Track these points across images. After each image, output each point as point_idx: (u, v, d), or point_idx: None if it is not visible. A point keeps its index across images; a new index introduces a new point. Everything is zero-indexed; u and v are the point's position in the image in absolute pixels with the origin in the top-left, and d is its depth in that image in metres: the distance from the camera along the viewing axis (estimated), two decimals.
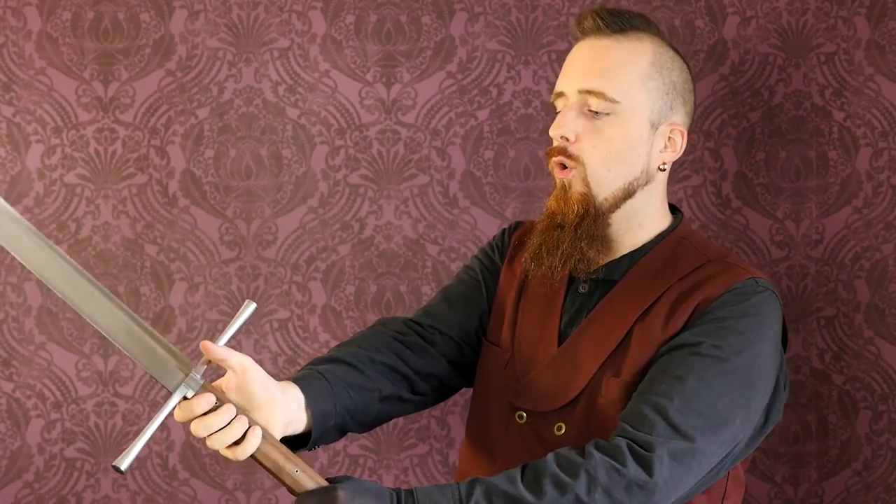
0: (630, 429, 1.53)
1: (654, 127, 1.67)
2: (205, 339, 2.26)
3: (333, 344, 2.28)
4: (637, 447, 1.51)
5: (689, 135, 1.71)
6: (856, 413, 2.29)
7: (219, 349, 1.46)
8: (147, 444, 2.28)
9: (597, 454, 1.51)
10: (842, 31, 2.27)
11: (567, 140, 1.65)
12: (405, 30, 2.28)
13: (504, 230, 1.85)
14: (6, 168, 2.24)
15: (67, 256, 1.46)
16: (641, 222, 1.70)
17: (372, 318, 2.28)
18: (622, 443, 1.52)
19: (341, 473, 2.30)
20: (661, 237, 1.71)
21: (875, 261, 2.28)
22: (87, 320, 1.46)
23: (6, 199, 2.24)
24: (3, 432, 2.26)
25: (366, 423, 1.69)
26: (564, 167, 1.66)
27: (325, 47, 2.27)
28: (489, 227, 2.28)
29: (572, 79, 1.67)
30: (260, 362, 2.28)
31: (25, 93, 2.24)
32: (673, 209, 1.77)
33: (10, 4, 2.23)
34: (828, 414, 2.30)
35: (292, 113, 2.27)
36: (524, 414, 1.68)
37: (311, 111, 2.28)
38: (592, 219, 1.66)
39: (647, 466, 1.50)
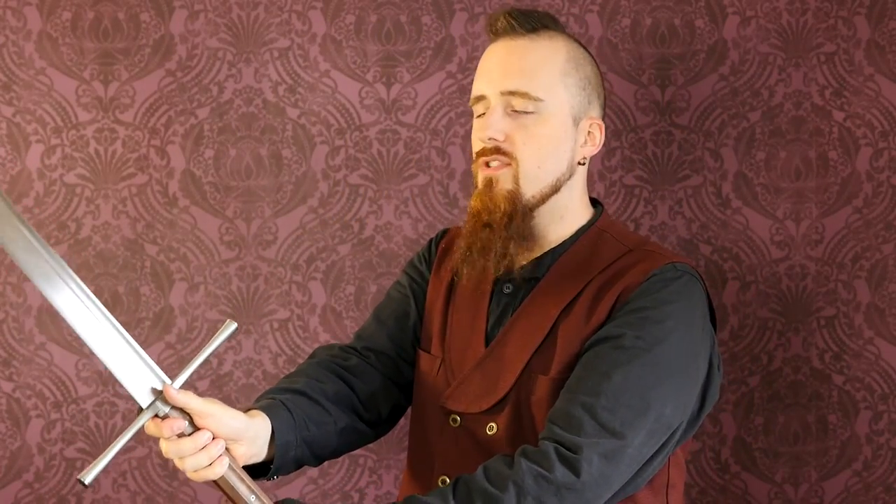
0: (559, 430, 1.53)
1: (576, 122, 1.69)
2: (205, 339, 2.26)
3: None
4: (564, 450, 1.52)
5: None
6: (856, 413, 2.29)
7: (179, 396, 1.44)
8: (147, 444, 2.29)
9: (524, 463, 1.51)
10: (842, 31, 2.27)
11: (497, 140, 1.65)
12: (405, 30, 2.28)
13: (430, 241, 1.86)
14: (6, 168, 2.24)
15: (55, 254, 1.44)
16: (563, 216, 1.71)
17: None
18: (549, 447, 1.52)
19: (341, 473, 2.30)
20: (581, 231, 1.72)
21: (875, 261, 2.28)
22: (68, 324, 1.44)
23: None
24: (3, 432, 2.26)
25: (322, 457, 1.69)
26: (493, 165, 1.66)
27: (325, 47, 2.28)
28: None
29: (492, 81, 1.67)
30: (260, 362, 2.29)
31: (25, 93, 2.24)
32: (594, 202, 1.78)
33: (10, 4, 2.23)
34: (828, 414, 2.30)
35: (292, 113, 2.27)
36: (457, 417, 1.68)
37: (311, 111, 2.28)
38: (521, 217, 1.66)
39: (574, 469, 1.51)
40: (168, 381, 1.44)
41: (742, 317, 2.28)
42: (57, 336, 2.25)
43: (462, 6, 2.28)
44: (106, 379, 2.26)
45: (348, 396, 1.73)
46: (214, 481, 1.49)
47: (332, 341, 2.28)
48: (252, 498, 1.49)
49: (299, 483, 2.30)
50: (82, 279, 2.25)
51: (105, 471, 2.27)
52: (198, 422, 1.45)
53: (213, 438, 1.46)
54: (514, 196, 1.66)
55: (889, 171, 2.27)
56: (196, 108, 2.27)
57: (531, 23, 1.68)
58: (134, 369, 1.45)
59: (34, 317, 2.25)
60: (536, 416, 1.62)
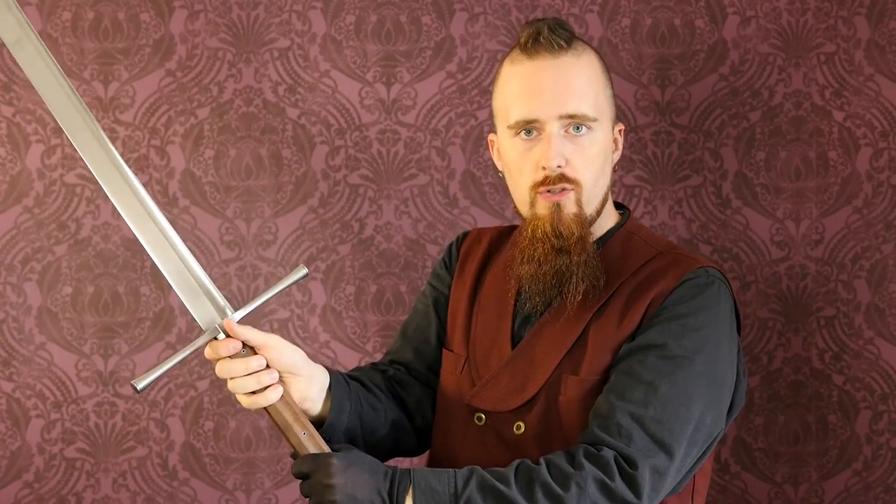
0: (608, 439, 1.54)
1: (612, 132, 1.70)
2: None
3: (333, 344, 2.28)
4: (623, 463, 1.53)
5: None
6: (856, 413, 2.29)
7: (239, 329, 1.51)
8: (147, 444, 2.29)
9: (588, 466, 1.52)
10: (842, 31, 2.27)
11: (561, 167, 1.63)
12: (405, 30, 2.28)
13: (451, 244, 1.88)
14: (6, 168, 2.24)
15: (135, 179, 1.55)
16: (598, 222, 1.72)
17: (372, 318, 2.28)
18: (610, 456, 1.53)
19: None
20: (610, 233, 1.72)
21: (875, 261, 2.28)
22: (144, 247, 1.53)
23: (6, 199, 2.24)
24: (3, 432, 2.26)
25: (370, 443, 1.70)
26: (559, 192, 1.64)
27: (325, 47, 2.27)
28: None
29: (546, 104, 1.63)
30: None
31: (25, 93, 2.24)
32: (618, 205, 1.79)
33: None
34: (828, 414, 2.30)
35: (292, 113, 2.27)
36: (482, 415, 1.69)
37: (311, 111, 2.28)
38: (588, 237, 1.66)
39: (633, 484, 1.53)
40: (231, 311, 1.53)
41: (742, 317, 2.28)
42: (57, 336, 2.25)
43: (462, 6, 2.28)
44: (106, 379, 2.27)
45: (398, 396, 1.77)
46: (267, 412, 1.53)
47: (333, 341, 2.28)
48: (303, 434, 1.52)
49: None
50: (82, 279, 2.26)
51: (105, 471, 2.27)
52: (258, 352, 1.52)
53: (268, 368, 1.52)
54: (581, 218, 1.65)
55: (889, 171, 2.27)
56: (196, 108, 2.27)
57: (567, 37, 1.65)
58: (199, 291, 1.53)
59: (34, 317, 2.25)
60: (564, 416, 1.63)
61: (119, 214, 2.26)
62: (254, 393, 1.52)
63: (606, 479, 1.51)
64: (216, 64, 2.26)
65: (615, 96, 1.73)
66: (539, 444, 1.63)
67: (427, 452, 1.82)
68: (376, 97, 2.28)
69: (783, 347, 2.29)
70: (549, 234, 1.64)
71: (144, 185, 2.26)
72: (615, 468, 1.52)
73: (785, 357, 2.29)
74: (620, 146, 1.74)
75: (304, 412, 1.58)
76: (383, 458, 1.69)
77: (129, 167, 2.26)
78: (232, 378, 1.51)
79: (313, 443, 1.52)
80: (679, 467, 1.57)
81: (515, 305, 1.73)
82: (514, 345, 1.70)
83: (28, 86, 2.24)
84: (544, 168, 1.63)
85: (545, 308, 1.68)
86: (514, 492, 1.50)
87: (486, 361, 1.72)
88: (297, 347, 1.56)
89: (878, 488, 2.30)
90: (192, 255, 1.54)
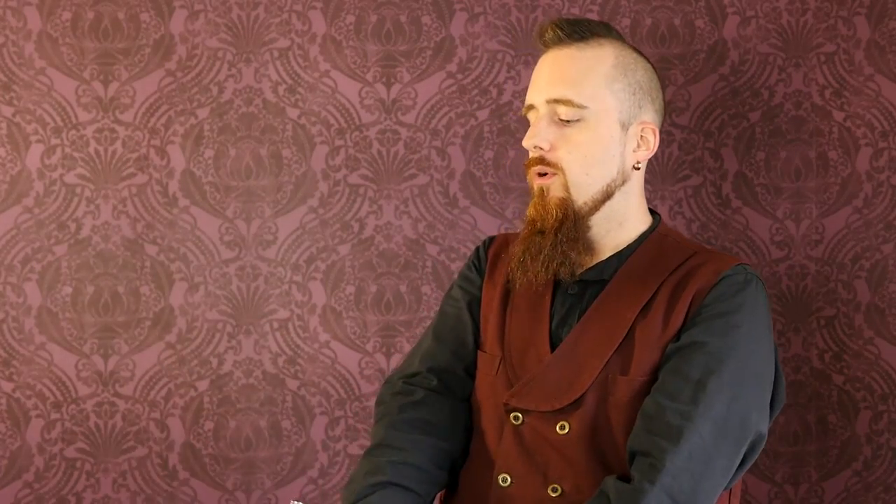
0: (660, 440, 1.56)
1: (625, 127, 1.72)
2: (205, 339, 2.27)
3: (333, 344, 2.28)
4: (678, 483, 1.56)
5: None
6: (856, 413, 2.29)
7: None
8: (147, 444, 2.29)
9: (657, 493, 1.55)
10: (842, 31, 2.27)
11: (541, 149, 1.70)
12: (405, 30, 2.28)
13: (478, 248, 1.90)
14: (6, 168, 2.24)
15: None
16: (622, 222, 1.74)
17: (372, 318, 2.28)
18: (667, 477, 1.55)
19: (341, 473, 2.30)
20: (644, 236, 1.75)
21: (875, 261, 2.28)
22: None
23: (6, 199, 2.24)
24: (3, 432, 2.26)
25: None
26: (544, 174, 1.71)
27: (325, 47, 2.27)
28: (489, 227, 2.28)
29: (539, 90, 1.72)
30: (260, 362, 2.29)
31: (25, 93, 2.24)
32: (651, 211, 1.82)
33: (10, 4, 2.23)
34: (828, 414, 2.30)
35: (292, 113, 2.27)
36: (520, 415, 1.69)
37: (311, 111, 2.28)
38: (572, 223, 1.70)
39: (693, 496, 1.56)
40: None
41: None
42: (57, 336, 2.25)
43: (462, 6, 2.28)
44: (106, 379, 2.26)
45: (433, 447, 1.76)
46: None
47: (333, 342, 2.28)
48: None
49: (299, 483, 2.30)
50: (82, 279, 2.26)
51: (105, 471, 2.27)
52: None
53: None
54: (566, 202, 1.70)
55: (889, 171, 2.27)
56: (196, 108, 2.26)
57: (579, 32, 1.72)
58: None
59: (34, 317, 2.25)
60: (612, 416, 1.64)
61: (119, 214, 2.26)
62: None
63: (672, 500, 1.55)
64: (216, 64, 2.26)
65: (661, 99, 1.76)
66: (584, 443, 1.64)
67: None
68: (376, 97, 2.28)
69: (783, 347, 2.29)
70: (533, 216, 1.72)
71: (144, 185, 2.27)
72: (675, 488, 1.55)
73: (785, 357, 2.29)
74: (652, 146, 1.75)
75: None
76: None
77: (130, 167, 2.27)
78: None
79: None
80: (729, 467, 1.60)
81: (552, 306, 1.74)
82: (552, 345, 1.71)
83: (28, 86, 2.24)
84: (527, 147, 1.73)
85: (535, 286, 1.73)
86: None
87: (522, 362, 1.72)
88: None
89: (878, 488, 2.30)
90: None
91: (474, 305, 1.84)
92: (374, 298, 2.29)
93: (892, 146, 2.27)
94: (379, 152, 2.29)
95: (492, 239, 1.90)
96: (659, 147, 2.27)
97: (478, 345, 1.82)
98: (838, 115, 2.28)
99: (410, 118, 2.28)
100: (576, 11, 2.27)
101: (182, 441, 2.28)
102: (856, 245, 2.28)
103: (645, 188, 2.28)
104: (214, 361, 2.28)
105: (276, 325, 2.28)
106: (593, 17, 2.28)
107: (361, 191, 2.29)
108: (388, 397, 1.83)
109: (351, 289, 2.29)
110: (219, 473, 2.29)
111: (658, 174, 2.29)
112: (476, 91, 2.28)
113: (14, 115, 2.24)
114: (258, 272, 2.28)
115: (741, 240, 2.29)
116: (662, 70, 2.27)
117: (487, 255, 1.87)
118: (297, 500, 1.54)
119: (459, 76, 2.28)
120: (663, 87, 2.28)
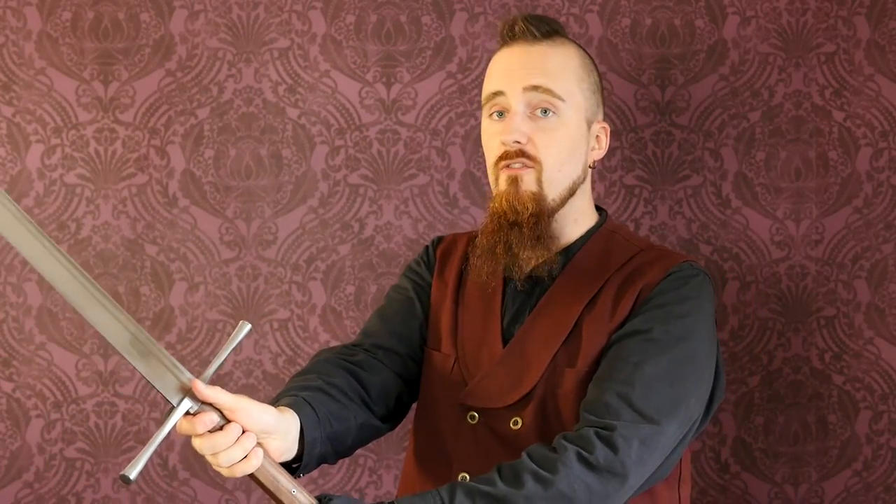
0: (595, 419, 1.56)
1: (588, 126, 1.73)
2: (205, 339, 2.26)
3: (333, 344, 2.28)
4: (607, 436, 1.54)
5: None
6: (856, 413, 2.29)
7: (208, 391, 1.42)
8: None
9: (570, 447, 1.53)
10: (842, 31, 2.27)
11: (520, 143, 1.68)
12: (405, 30, 2.28)
13: (427, 247, 1.89)
14: (6, 168, 2.24)
15: (72, 260, 1.44)
16: (576, 219, 1.75)
17: None
18: (590, 433, 1.54)
19: (341, 473, 2.30)
20: (591, 232, 1.76)
21: (875, 261, 2.28)
22: (96, 329, 1.44)
23: None
24: (3, 432, 2.26)
25: (340, 453, 1.69)
26: (515, 166, 1.68)
27: (325, 47, 2.27)
28: None
29: (513, 78, 1.69)
30: (260, 362, 2.29)
31: (25, 93, 2.24)
32: (598, 208, 1.82)
33: (10, 4, 2.23)
34: (828, 414, 2.30)
35: (292, 113, 2.27)
36: (476, 414, 1.70)
37: (311, 111, 2.28)
38: (546, 219, 1.70)
39: (616, 454, 1.54)
40: (194, 378, 1.43)
41: (742, 317, 2.28)
42: (57, 336, 2.25)
43: (462, 6, 2.28)
44: (106, 379, 2.27)
45: (359, 391, 1.73)
46: (253, 477, 1.47)
47: (333, 342, 2.28)
48: (294, 491, 1.49)
49: (299, 483, 2.29)
50: None
51: (105, 471, 2.27)
52: (229, 416, 1.43)
53: (244, 432, 1.44)
54: (539, 198, 1.69)
55: (889, 171, 2.27)
56: (196, 108, 2.27)
57: (546, 28, 1.73)
58: (161, 367, 1.44)
59: (34, 317, 2.25)
60: (563, 409, 1.65)
61: (119, 214, 2.26)
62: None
63: (585, 453, 1.53)
64: (216, 64, 2.26)
65: (605, 97, 1.75)
66: (538, 437, 1.64)
67: (404, 456, 1.81)
68: (376, 97, 2.28)
69: (783, 347, 2.29)
70: (505, 209, 1.69)
71: (144, 185, 2.27)
72: (595, 441, 1.53)
73: (785, 357, 2.29)
74: (604, 145, 1.77)
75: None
76: (350, 454, 1.71)
77: (130, 167, 2.27)
78: (216, 453, 1.43)
79: (305, 497, 1.49)
80: (666, 443, 1.59)
81: (503, 304, 1.75)
82: (504, 342, 1.72)
83: (28, 86, 2.24)
84: (504, 143, 1.68)
85: (501, 280, 1.72)
86: (500, 486, 1.51)
87: (476, 360, 1.73)
88: (265, 406, 1.48)
89: (878, 488, 2.30)
90: (143, 328, 1.46)
91: (423, 295, 1.83)
92: (374, 298, 2.29)
93: (892, 146, 2.27)
94: (379, 152, 2.29)
95: (440, 238, 1.89)
96: (659, 147, 2.28)
97: (423, 336, 1.81)
98: (838, 115, 2.28)
99: (410, 118, 2.28)
100: (576, 11, 2.27)
101: (182, 441, 2.28)
102: (856, 245, 2.28)
103: (645, 188, 2.29)
104: None
105: (276, 325, 2.28)
106: (593, 17, 2.28)
107: (361, 191, 2.29)
108: (325, 352, 1.80)
109: (351, 289, 2.29)
110: (218, 473, 2.29)
111: (658, 174, 2.29)
112: (476, 91, 2.28)
113: (14, 115, 2.24)
114: (258, 272, 2.28)
115: (741, 240, 2.29)
116: (662, 70, 2.28)
117: (437, 255, 1.86)
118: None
119: (459, 76, 2.29)
120: (663, 87, 2.29)
